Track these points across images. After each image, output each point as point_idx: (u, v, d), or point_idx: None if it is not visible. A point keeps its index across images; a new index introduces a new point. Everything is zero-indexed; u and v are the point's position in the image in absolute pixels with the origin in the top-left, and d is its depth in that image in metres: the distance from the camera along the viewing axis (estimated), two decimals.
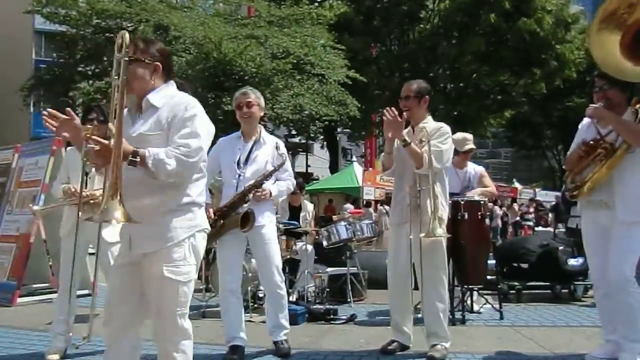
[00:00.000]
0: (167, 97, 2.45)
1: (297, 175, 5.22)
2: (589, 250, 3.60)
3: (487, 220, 5.13)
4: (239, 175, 3.84)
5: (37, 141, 8.26)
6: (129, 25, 16.17)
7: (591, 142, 3.41)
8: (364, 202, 19.07)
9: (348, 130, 27.58)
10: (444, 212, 3.83)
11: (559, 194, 14.20)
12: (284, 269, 4.33)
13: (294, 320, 4.08)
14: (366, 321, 5.10)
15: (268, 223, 3.89)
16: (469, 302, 5.17)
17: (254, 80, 14.92)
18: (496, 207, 17.40)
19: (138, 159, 2.22)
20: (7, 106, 22.11)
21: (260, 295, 5.49)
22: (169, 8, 16.75)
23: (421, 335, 3.92)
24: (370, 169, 22.60)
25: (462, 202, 4.71)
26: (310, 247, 6.24)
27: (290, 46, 16.47)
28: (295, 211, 6.67)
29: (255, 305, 5.44)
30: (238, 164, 3.87)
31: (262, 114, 3.99)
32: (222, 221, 3.83)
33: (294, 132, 21.56)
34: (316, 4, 22.23)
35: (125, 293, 2.45)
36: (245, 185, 3.81)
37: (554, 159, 38.22)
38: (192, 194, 2.44)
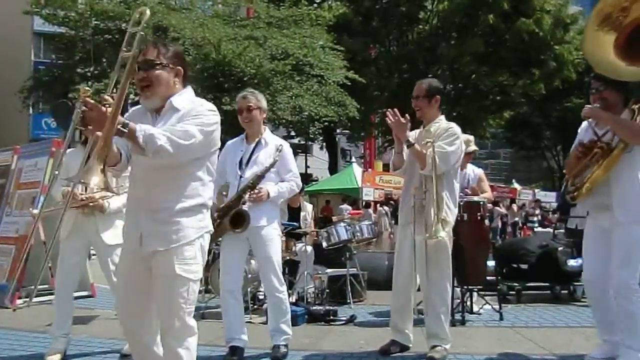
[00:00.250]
0: (188, 100, 2.50)
1: None
2: (584, 249, 3.57)
3: (487, 221, 5.13)
4: (240, 177, 3.84)
5: (36, 143, 8.27)
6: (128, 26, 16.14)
7: (587, 143, 3.40)
8: (363, 203, 19.07)
9: (347, 131, 27.59)
10: (450, 214, 3.80)
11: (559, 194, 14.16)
12: (283, 270, 4.32)
13: (293, 321, 4.07)
14: (366, 322, 5.10)
15: (268, 224, 3.86)
16: (468, 303, 5.17)
17: (253, 82, 14.93)
18: (497, 207, 17.24)
19: (126, 131, 2.21)
20: (6, 108, 22.09)
21: (260, 296, 5.49)
22: (167, 9, 16.70)
23: (421, 336, 3.92)
24: (370, 170, 22.65)
25: (462, 203, 4.69)
26: (309, 248, 6.24)
27: (289, 47, 16.48)
28: (294, 212, 6.66)
29: (255, 307, 5.44)
30: (240, 165, 3.88)
31: (264, 115, 4.00)
32: (219, 221, 3.81)
33: (293, 133, 21.55)
34: (315, 5, 22.27)
35: (135, 290, 2.50)
36: None
37: (553, 159, 38.20)
38: (205, 196, 2.50)
